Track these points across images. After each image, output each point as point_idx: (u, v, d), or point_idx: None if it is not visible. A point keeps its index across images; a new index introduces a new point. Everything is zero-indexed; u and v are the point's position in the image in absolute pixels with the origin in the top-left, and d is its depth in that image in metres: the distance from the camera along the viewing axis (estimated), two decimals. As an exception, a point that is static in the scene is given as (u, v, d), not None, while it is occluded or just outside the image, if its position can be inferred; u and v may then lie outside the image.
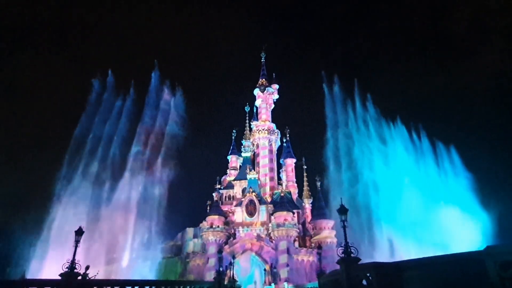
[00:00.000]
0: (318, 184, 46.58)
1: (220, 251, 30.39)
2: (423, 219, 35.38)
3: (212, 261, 39.06)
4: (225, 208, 46.21)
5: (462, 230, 34.55)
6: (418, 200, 36.93)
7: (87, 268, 18.80)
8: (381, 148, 41.54)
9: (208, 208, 46.36)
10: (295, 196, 50.50)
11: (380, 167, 39.70)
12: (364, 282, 11.13)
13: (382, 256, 33.25)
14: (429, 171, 40.36)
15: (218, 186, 49.47)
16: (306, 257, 40.63)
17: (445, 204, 37.36)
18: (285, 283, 36.40)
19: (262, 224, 42.44)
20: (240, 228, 42.57)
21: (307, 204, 50.77)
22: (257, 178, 46.78)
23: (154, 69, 50.66)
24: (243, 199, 44.35)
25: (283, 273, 37.26)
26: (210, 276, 36.26)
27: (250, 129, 54.98)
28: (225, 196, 49.24)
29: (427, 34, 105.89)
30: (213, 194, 49.04)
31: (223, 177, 54.01)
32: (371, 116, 43.76)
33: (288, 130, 57.13)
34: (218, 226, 41.90)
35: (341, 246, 14.53)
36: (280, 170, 54.55)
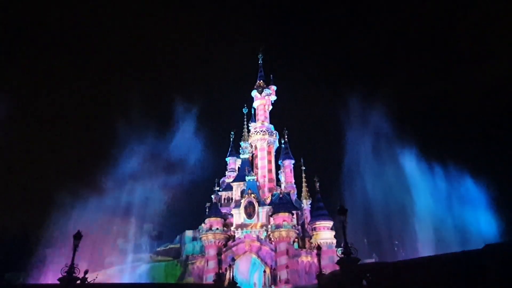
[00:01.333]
0: (317, 185, 46.62)
1: (219, 253, 30.40)
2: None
3: (212, 264, 38.96)
4: (224, 210, 46.14)
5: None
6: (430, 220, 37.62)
7: (86, 272, 18.73)
8: (395, 175, 42.20)
9: (207, 210, 46.29)
10: (294, 197, 50.49)
11: (394, 196, 40.42)
12: (364, 282, 11.12)
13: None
14: (442, 196, 40.76)
15: (217, 188, 49.42)
16: (306, 258, 40.60)
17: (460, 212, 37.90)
18: (285, 285, 36.34)
19: (261, 225, 42.38)
20: (239, 230, 42.50)
21: (306, 205, 50.74)
22: (255, 180, 46.74)
23: (175, 101, 51.53)
24: (242, 201, 44.28)
25: (283, 274, 37.17)
26: (209, 278, 36.19)
27: (248, 131, 54.93)
28: (224, 198, 49.16)
29: (429, 40, 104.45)
30: (212, 196, 48.98)
31: (222, 179, 53.96)
32: (386, 141, 44.36)
33: (287, 131, 57.19)
34: (217, 228, 41.81)
35: (341, 247, 14.54)
36: (279, 172, 54.55)
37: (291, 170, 54.24)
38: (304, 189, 52.35)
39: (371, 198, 43.18)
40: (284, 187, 51.07)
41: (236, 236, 42.25)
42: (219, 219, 42.76)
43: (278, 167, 54.47)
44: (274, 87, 57.05)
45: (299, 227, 43.84)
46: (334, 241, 42.12)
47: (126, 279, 41.59)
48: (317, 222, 43.22)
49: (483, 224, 35.86)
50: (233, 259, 33.99)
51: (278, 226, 39.77)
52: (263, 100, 54.95)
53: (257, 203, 43.48)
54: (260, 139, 51.50)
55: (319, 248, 26.99)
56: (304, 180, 52.99)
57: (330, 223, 42.93)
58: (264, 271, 38.12)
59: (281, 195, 44.51)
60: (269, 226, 41.24)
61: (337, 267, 13.99)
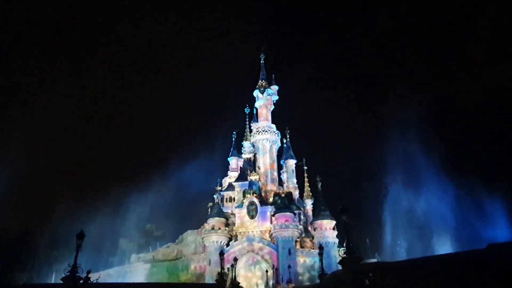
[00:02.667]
0: (319, 184, 46.49)
1: (221, 253, 30.30)
2: None
3: (214, 264, 38.95)
4: (226, 210, 46.14)
5: None
6: None
7: (88, 272, 18.75)
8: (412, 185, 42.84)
9: (209, 210, 46.28)
10: (296, 197, 50.44)
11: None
12: (367, 281, 11.09)
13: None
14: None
15: (219, 188, 49.38)
16: (308, 258, 40.53)
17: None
18: (287, 284, 36.30)
19: (264, 225, 42.37)
20: (242, 230, 42.50)
21: (308, 204, 50.69)
22: (257, 180, 46.71)
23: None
24: (244, 201, 44.28)
25: (285, 274, 37.17)
26: (212, 278, 36.20)
27: (250, 131, 54.94)
28: (226, 198, 49.14)
29: (434, 42, 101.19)
30: (214, 196, 48.99)
31: (224, 179, 53.95)
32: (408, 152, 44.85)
33: (288, 131, 57.11)
34: (219, 228, 41.83)
35: (343, 246, 14.50)
36: (281, 171, 54.47)
37: (293, 170, 54.13)
38: (306, 188, 52.29)
39: (384, 202, 43.73)
40: (286, 186, 51.02)
41: (239, 236, 42.25)
42: (221, 219, 42.77)
43: (280, 167, 54.42)
44: (276, 87, 57.04)
45: (301, 226, 43.79)
46: (336, 240, 42.05)
47: (128, 279, 41.70)
48: (319, 222, 43.13)
49: (499, 235, 36.00)
50: (236, 259, 33.96)
51: (280, 226, 39.77)
52: (265, 100, 54.91)
53: (259, 203, 43.48)
54: (262, 139, 51.47)
55: (321, 247, 26.92)
56: (306, 179, 52.96)
57: (332, 223, 42.84)
58: (267, 271, 38.10)
59: (283, 195, 44.49)
60: (271, 226, 41.23)
61: (340, 267, 13.95)
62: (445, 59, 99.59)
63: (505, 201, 38.91)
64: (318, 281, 25.77)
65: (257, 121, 55.14)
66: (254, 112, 57.40)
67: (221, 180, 52.45)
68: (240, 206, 44.33)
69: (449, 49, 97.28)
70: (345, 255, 13.79)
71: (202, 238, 42.92)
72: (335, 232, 42.49)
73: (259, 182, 47.18)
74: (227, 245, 41.38)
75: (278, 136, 53.36)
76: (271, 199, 45.82)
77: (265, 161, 50.42)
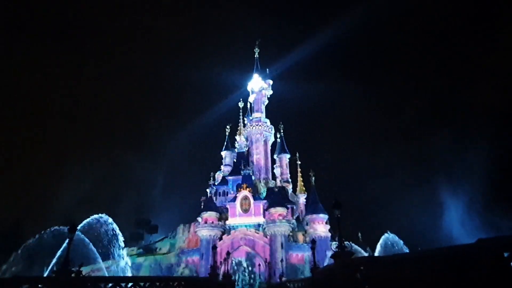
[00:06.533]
0: (312, 179, 46.71)
1: (214, 247, 30.40)
2: None
3: (207, 257, 39.07)
4: (219, 204, 46.16)
5: None
6: None
7: (80, 265, 18.66)
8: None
9: (202, 204, 46.26)
10: (289, 191, 50.61)
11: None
12: (358, 275, 11.17)
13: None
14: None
15: (212, 182, 49.38)
16: (301, 252, 40.81)
17: None
18: (280, 278, 36.54)
19: (257, 219, 42.51)
20: (235, 224, 42.61)
21: (301, 199, 50.94)
22: (251, 174, 46.75)
23: None
24: (237, 195, 44.34)
25: (278, 268, 37.41)
26: (204, 272, 36.31)
27: (244, 125, 54.87)
28: (219, 192, 49.15)
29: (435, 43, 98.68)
30: (207, 190, 48.95)
31: (217, 173, 53.93)
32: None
33: (282, 126, 57.19)
34: (213, 222, 41.90)
35: (336, 241, 14.60)
36: (274, 166, 54.59)
37: (286, 164, 54.29)
38: (299, 183, 52.50)
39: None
40: (280, 181, 51.15)
41: (232, 230, 42.35)
42: (214, 213, 42.81)
43: (273, 161, 54.51)
44: (270, 81, 56.92)
45: (294, 221, 44.02)
46: (329, 235, 42.36)
47: (120, 273, 41.59)
48: (312, 216, 43.37)
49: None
50: (228, 253, 34.10)
51: (273, 220, 39.93)
52: (259, 94, 54.81)
53: (252, 197, 43.56)
54: (256, 133, 51.45)
55: (313, 242, 27.07)
56: (299, 174, 53.17)
57: (325, 217, 43.12)
58: (259, 265, 38.31)
59: (276, 189, 44.61)
60: (264, 220, 41.38)
61: (332, 261, 14.06)
62: (440, 58, 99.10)
63: None
64: (310, 274, 25.93)
65: (251, 116, 55.08)
66: (248, 106, 57.36)
67: (214, 174, 52.45)
68: (234, 200, 44.39)
69: (463, 52, 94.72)
70: (337, 249, 13.88)
71: (195, 232, 42.97)
72: (328, 227, 42.78)
73: (252, 177, 47.24)
74: (220, 239, 41.47)
75: (271, 130, 53.37)
76: (264, 194, 45.94)
77: (259, 156, 50.45)
